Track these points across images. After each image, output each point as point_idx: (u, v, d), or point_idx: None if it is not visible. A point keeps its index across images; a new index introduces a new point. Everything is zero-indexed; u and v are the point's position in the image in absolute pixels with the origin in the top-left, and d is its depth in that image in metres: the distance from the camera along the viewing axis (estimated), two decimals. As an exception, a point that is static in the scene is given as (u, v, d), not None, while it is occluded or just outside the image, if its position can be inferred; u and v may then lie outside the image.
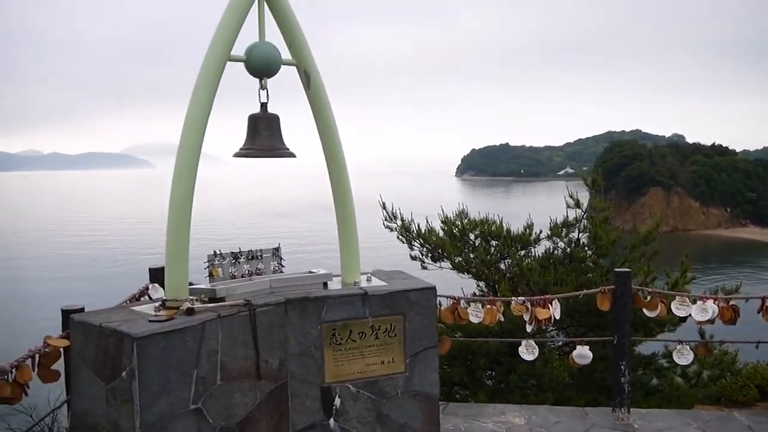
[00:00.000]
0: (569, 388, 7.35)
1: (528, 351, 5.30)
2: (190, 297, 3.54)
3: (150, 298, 4.83)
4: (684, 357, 5.30)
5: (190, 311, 3.38)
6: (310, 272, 4.10)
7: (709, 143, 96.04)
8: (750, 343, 5.38)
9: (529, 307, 5.13)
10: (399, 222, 9.04)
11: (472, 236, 8.66)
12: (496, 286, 8.04)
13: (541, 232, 8.55)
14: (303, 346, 3.77)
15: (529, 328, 5.21)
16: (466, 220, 8.74)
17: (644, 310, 5.29)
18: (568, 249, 8.37)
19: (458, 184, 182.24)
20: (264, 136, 3.90)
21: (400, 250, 9.26)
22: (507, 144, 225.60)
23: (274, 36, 3.93)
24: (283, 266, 4.15)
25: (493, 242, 8.53)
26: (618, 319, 5.29)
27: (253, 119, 3.92)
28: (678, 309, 5.11)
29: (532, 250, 8.50)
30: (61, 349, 3.72)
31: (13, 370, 3.41)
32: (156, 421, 3.11)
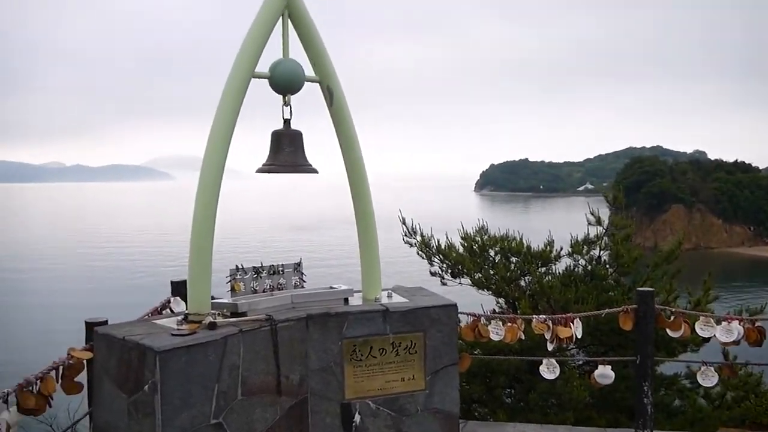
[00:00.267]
0: (590, 408, 7.25)
1: (549, 370, 5.24)
2: (213, 311, 3.56)
3: (172, 311, 4.86)
4: (708, 379, 5.21)
5: (212, 325, 3.40)
6: (331, 288, 4.11)
7: (731, 160, 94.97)
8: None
9: (551, 325, 5.08)
10: (419, 237, 9.03)
11: (492, 252, 8.62)
12: (516, 303, 7.98)
13: (561, 249, 8.49)
14: (323, 361, 3.77)
15: (550, 347, 5.16)
16: (486, 236, 8.71)
17: (667, 330, 5.22)
18: (589, 266, 8.30)
19: (477, 199, 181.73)
20: (287, 152, 3.93)
21: (419, 266, 9.24)
22: (526, 159, 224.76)
23: (298, 53, 3.97)
24: (304, 281, 4.16)
25: (513, 259, 8.48)
26: (641, 339, 5.22)
27: (276, 135, 3.95)
28: (702, 330, 5.03)
29: (553, 267, 8.43)
30: (85, 361, 3.76)
31: (38, 381, 3.45)
32: (177, 435, 3.12)
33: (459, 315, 4.59)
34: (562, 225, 11.92)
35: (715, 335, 5.01)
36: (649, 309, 5.16)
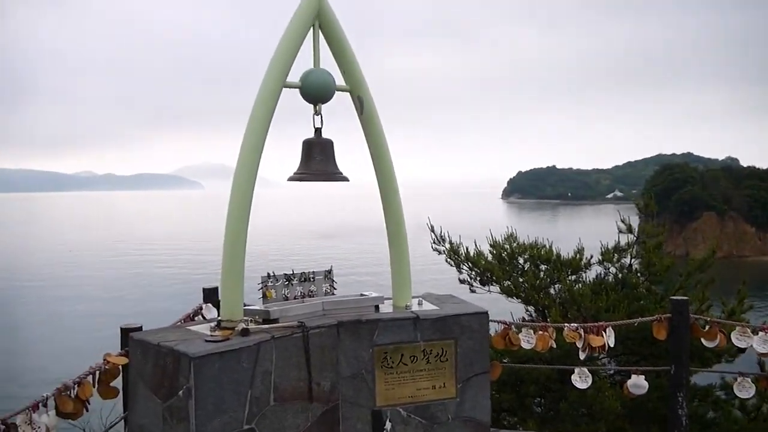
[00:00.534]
0: (622, 419, 7.15)
1: (581, 379, 5.19)
2: (245, 318, 3.60)
3: (204, 317, 4.93)
4: (745, 390, 5.10)
5: (245, 332, 3.43)
6: (362, 295, 4.13)
7: (764, 167, 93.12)
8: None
9: (583, 334, 5.03)
10: (447, 245, 9.01)
11: (521, 260, 8.57)
12: (546, 311, 7.91)
13: (591, 256, 8.40)
14: (354, 368, 3.79)
15: (582, 356, 5.11)
16: (515, 244, 8.66)
17: (702, 340, 5.13)
18: (620, 275, 8.20)
19: (504, 206, 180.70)
20: (318, 161, 3.96)
21: (448, 273, 9.21)
22: (554, 166, 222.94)
23: (329, 62, 4.01)
24: (335, 288, 4.19)
25: (543, 266, 8.41)
26: (675, 349, 5.14)
27: (307, 144, 3.99)
28: (738, 340, 4.93)
29: (583, 275, 8.34)
30: (120, 367, 3.82)
31: (76, 386, 3.52)
32: (211, 440, 3.15)
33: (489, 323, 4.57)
34: (591, 233, 11.80)
35: (752, 345, 4.91)
36: (683, 318, 5.09)
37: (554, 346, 5.17)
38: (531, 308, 8.32)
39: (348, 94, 4.06)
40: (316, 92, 3.87)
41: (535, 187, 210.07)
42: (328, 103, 3.92)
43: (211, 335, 3.44)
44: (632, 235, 8.41)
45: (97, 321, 30.96)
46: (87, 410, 3.61)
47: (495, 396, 7.37)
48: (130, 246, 76.05)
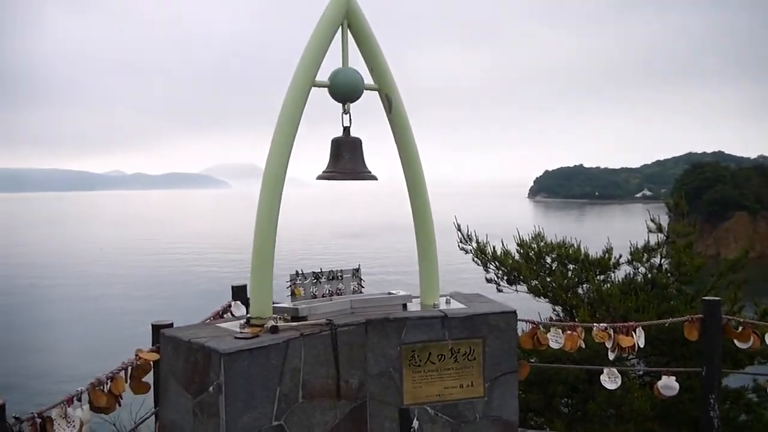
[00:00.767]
0: (651, 420, 7.06)
1: (610, 379, 5.14)
2: (274, 315, 3.64)
3: (233, 315, 4.99)
4: (779, 392, 5.02)
5: (274, 329, 3.46)
6: (390, 293, 4.13)
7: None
8: None
9: (612, 334, 4.98)
10: (474, 244, 8.98)
11: (548, 259, 8.50)
12: (574, 311, 7.85)
13: (620, 256, 8.31)
14: (382, 366, 3.80)
15: (611, 356, 5.06)
16: (542, 243, 8.60)
17: (735, 341, 5.05)
18: (650, 275, 8.09)
19: (531, 205, 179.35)
20: (346, 160, 3.98)
21: (475, 272, 9.19)
22: (581, 165, 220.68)
23: (357, 61, 4.02)
24: (362, 287, 4.20)
25: (571, 266, 8.34)
26: (707, 350, 5.07)
27: (336, 143, 4.00)
28: (773, 341, 4.86)
29: (612, 274, 8.25)
30: (152, 363, 3.89)
31: (109, 381, 3.58)
32: (241, 436, 3.19)
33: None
34: (619, 232, 11.66)
35: (786, 347, 4.83)
36: (715, 319, 5.01)
37: (583, 345, 5.13)
38: (558, 308, 8.26)
39: (377, 93, 4.08)
40: (345, 91, 3.89)
41: (561, 186, 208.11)
42: (357, 102, 3.93)
43: (241, 332, 3.48)
44: (662, 235, 8.30)
45: (128, 319, 31.46)
46: (120, 405, 3.67)
47: (522, 396, 7.33)
48: (161, 244, 77.01)
